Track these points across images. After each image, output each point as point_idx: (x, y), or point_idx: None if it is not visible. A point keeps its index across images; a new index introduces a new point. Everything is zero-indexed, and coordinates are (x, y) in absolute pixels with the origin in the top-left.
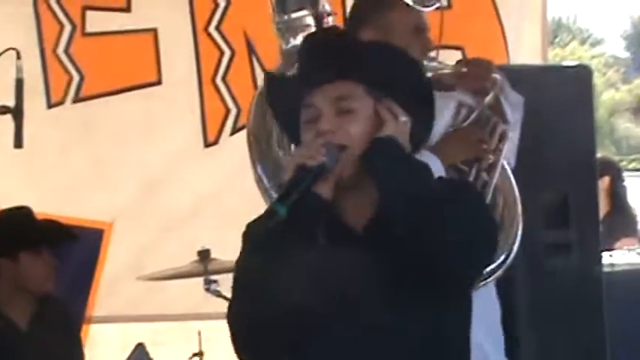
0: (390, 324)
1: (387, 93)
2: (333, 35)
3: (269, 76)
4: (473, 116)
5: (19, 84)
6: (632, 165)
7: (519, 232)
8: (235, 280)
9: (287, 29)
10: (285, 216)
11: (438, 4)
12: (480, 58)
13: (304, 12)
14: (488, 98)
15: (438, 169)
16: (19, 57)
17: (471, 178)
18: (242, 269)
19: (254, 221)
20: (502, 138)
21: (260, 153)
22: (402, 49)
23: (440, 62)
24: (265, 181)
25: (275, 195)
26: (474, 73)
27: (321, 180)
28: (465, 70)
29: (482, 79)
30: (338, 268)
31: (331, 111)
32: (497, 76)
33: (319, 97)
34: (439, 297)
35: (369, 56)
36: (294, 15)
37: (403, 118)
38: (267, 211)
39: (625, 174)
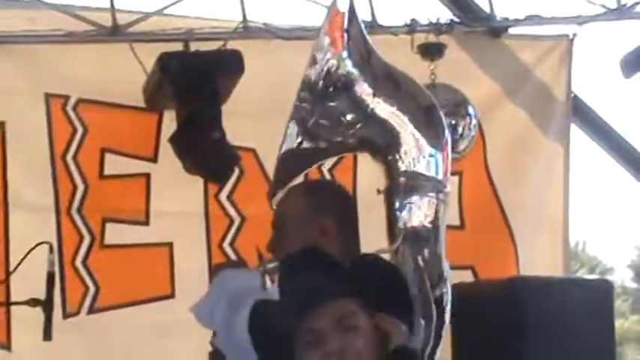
0: None
1: (380, 306)
2: (314, 255)
3: (254, 307)
4: None
5: (51, 277)
6: None
7: None
8: None
9: None
10: None
11: None
12: None
13: None
14: None
15: None
16: (51, 251)
17: None
18: None
19: None
20: None
21: None
22: (386, 262)
23: None
24: None
25: None
26: None
27: None
28: None
29: None
30: None
31: (335, 331)
32: None
33: (320, 319)
34: None
35: (360, 273)
36: None
37: (403, 327)
38: None
39: None
